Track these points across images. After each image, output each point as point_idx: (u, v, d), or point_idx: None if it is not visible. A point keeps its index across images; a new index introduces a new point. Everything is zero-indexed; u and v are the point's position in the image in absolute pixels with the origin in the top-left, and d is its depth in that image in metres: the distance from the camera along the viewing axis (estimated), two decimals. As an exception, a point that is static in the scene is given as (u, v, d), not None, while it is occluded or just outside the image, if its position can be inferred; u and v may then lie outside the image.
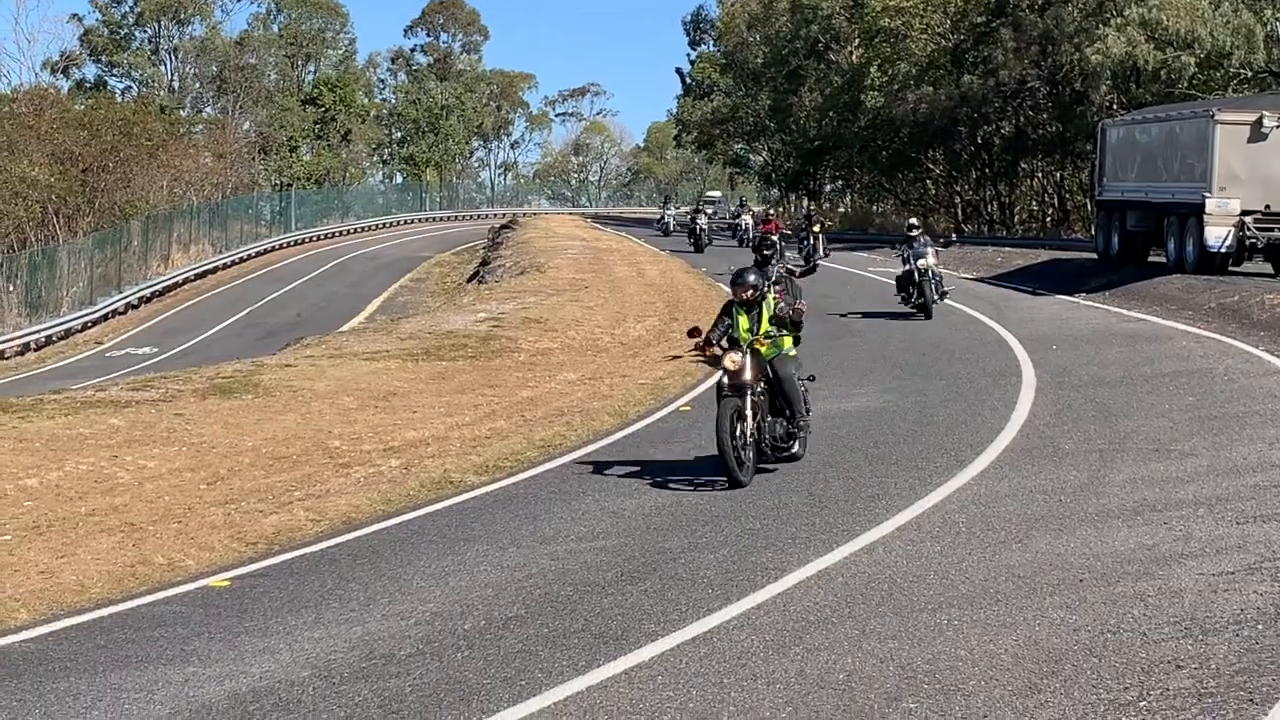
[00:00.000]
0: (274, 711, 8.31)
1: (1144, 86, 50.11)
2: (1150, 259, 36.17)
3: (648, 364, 23.14)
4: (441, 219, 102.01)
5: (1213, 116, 32.49)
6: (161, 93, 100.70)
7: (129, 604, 10.91)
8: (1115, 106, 51.83)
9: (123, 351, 46.66)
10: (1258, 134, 31.88)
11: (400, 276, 61.17)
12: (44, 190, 61.81)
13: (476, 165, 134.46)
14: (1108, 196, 38.59)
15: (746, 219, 58.53)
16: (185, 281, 63.16)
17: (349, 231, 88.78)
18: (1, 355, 45.96)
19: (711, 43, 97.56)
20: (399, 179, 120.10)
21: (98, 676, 9.09)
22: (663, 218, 70.91)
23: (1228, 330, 25.02)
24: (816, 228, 39.81)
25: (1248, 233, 31.49)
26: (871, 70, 70.54)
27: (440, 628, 9.85)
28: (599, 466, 15.54)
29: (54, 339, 49.63)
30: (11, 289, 52.03)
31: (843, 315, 29.82)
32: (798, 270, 25.76)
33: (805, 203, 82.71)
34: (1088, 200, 56.09)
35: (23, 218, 61.07)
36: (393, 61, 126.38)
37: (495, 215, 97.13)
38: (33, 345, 48.05)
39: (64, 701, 8.65)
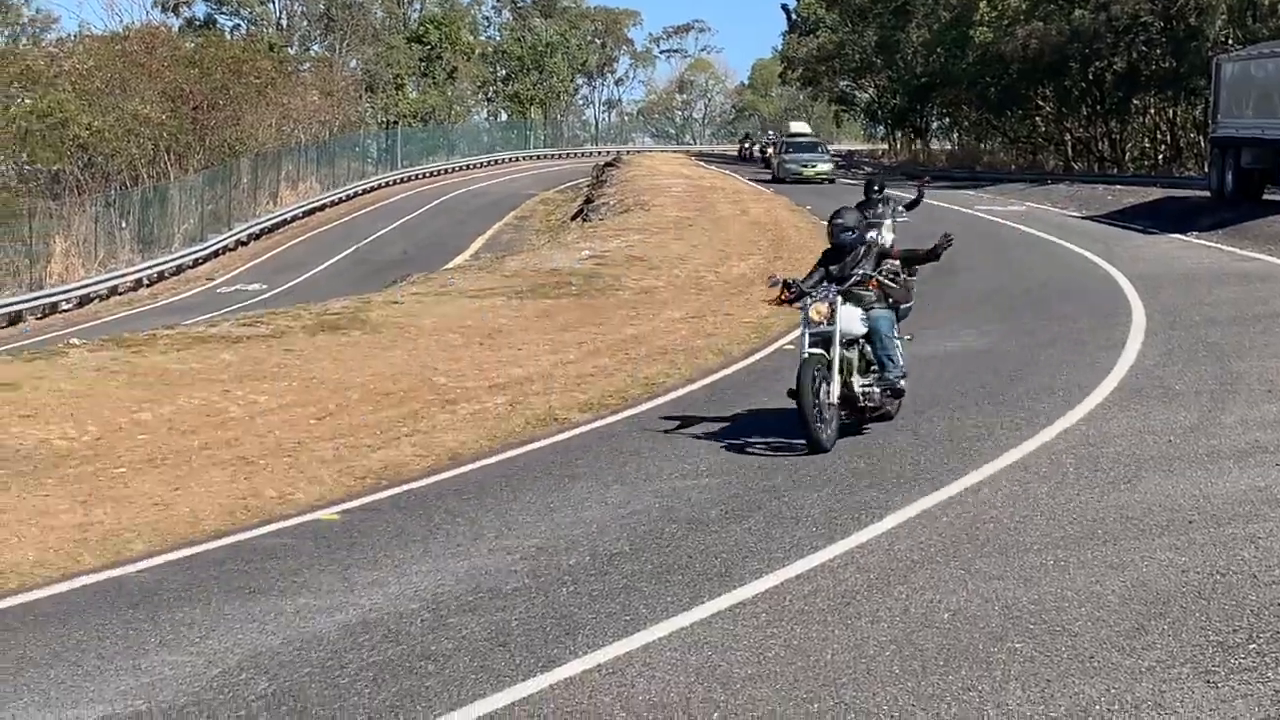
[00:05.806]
0: (384, 643, 8.43)
1: (1261, 21, 49.07)
2: (1265, 197, 35.49)
3: (751, 302, 23.08)
4: (545, 156, 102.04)
5: (1332, 51, 31.78)
6: (270, 30, 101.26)
7: (241, 536, 11.11)
8: (1231, 41, 50.74)
9: (233, 288, 47.21)
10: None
11: (504, 214, 61.27)
12: (156, 128, 62.52)
13: (581, 103, 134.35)
14: (1222, 133, 37.89)
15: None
16: (293, 219, 63.70)
17: (454, 169, 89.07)
18: (115, 291, 46.68)
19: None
20: (503, 117, 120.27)
21: (211, 606, 9.27)
22: None
23: (1344, 270, 24.54)
24: None
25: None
26: (980, 5, 69.51)
27: (545, 563, 9.94)
28: (703, 404, 15.55)
29: (166, 275, 50.31)
30: (124, 225, 52.77)
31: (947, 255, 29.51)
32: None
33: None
34: (1201, 137, 55.11)
35: (135, 155, 61.87)
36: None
37: (599, 153, 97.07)
38: (145, 281, 48.75)
39: (179, 630, 8.83)
